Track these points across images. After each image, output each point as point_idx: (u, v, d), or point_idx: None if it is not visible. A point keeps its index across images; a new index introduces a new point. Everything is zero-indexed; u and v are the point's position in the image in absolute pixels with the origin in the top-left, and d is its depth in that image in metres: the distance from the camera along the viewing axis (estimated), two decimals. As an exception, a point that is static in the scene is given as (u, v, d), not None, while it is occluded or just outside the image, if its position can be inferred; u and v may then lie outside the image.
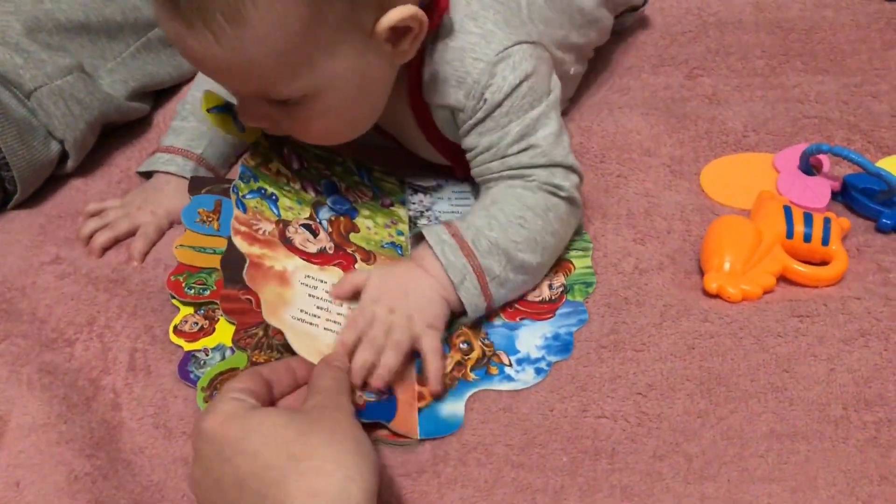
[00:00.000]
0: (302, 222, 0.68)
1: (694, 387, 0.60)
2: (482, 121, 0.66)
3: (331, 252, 0.67)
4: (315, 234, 0.67)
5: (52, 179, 0.80)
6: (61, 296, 0.69)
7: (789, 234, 0.67)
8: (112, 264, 0.72)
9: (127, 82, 0.85)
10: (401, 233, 0.71)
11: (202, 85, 0.77)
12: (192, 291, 0.66)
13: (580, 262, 0.69)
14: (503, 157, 0.66)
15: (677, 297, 0.66)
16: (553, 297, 0.66)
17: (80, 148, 0.79)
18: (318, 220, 0.69)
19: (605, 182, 0.77)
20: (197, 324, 0.65)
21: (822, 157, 0.74)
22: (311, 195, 0.70)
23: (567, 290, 0.67)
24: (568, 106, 0.85)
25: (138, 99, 0.86)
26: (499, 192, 0.66)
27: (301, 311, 0.61)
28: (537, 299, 0.66)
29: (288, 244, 0.65)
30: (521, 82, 0.65)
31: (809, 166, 0.74)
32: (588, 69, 0.89)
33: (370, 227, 0.70)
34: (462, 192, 0.75)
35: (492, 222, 0.64)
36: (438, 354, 0.60)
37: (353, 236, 0.69)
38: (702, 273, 0.67)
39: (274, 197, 0.68)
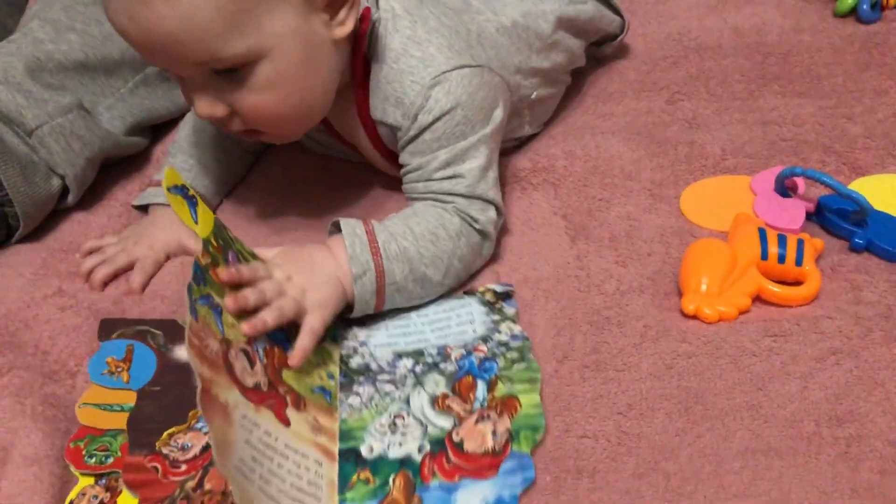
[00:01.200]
0: (242, 346, 0.58)
1: (672, 406, 0.62)
2: (413, 140, 0.70)
3: (265, 389, 0.58)
4: (252, 363, 0.58)
5: (54, 213, 0.83)
6: (63, 328, 0.71)
7: (764, 256, 0.69)
8: (112, 297, 0.74)
9: (125, 118, 0.87)
10: (331, 376, 0.63)
11: (187, 122, 0.82)
12: (93, 460, 0.59)
13: (527, 399, 0.60)
14: (428, 181, 0.71)
15: (657, 318, 0.68)
16: (497, 449, 0.58)
17: (80, 183, 0.82)
18: (254, 349, 0.60)
19: (587, 205, 0.79)
20: (97, 497, 0.58)
21: (796, 179, 0.76)
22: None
23: (512, 437, 0.59)
24: (551, 129, 0.88)
25: (136, 133, 0.89)
26: (421, 207, 0.70)
27: (240, 459, 0.53)
28: (479, 451, 0.58)
29: (229, 371, 0.56)
30: (453, 108, 0.68)
31: (785, 188, 0.77)
32: (571, 94, 0.91)
33: (302, 366, 0.62)
34: (401, 317, 0.68)
35: (406, 231, 0.67)
36: (314, 336, 0.62)
37: (285, 374, 0.61)
38: (680, 294, 0.69)
39: (219, 308, 0.58)
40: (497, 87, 0.73)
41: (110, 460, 0.60)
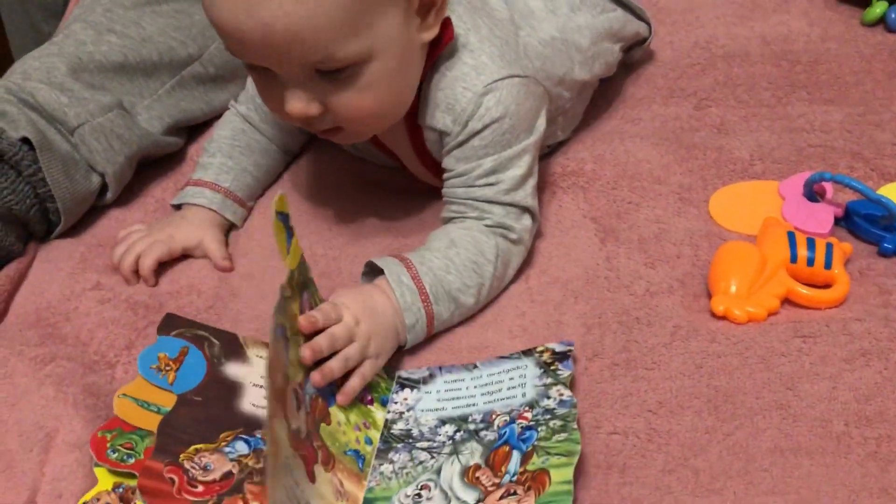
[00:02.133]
0: (294, 387, 0.57)
1: (702, 404, 0.63)
2: (460, 145, 0.71)
3: (302, 437, 0.56)
4: (299, 406, 0.57)
5: (92, 210, 0.84)
6: (102, 320, 0.73)
7: (793, 259, 0.70)
8: (149, 290, 0.76)
9: (162, 118, 0.89)
10: (369, 441, 0.61)
11: (226, 124, 0.83)
12: (116, 455, 0.58)
13: (559, 475, 0.54)
14: (470, 187, 0.72)
15: (686, 319, 0.69)
16: None
17: (119, 180, 0.84)
18: (304, 393, 0.59)
19: (616, 208, 0.80)
20: None
21: (825, 184, 0.77)
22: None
23: None
24: (580, 133, 0.89)
25: (173, 134, 0.91)
26: (457, 235, 0.71)
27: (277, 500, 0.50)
28: None
29: (285, 407, 0.55)
30: (502, 116, 0.70)
31: (813, 193, 0.77)
32: (600, 100, 0.92)
33: (340, 424, 0.60)
34: (455, 381, 0.65)
35: (448, 265, 0.69)
36: (363, 381, 0.63)
37: (322, 428, 0.59)
38: (709, 296, 0.70)
39: (287, 342, 0.58)
40: (541, 98, 0.75)
41: (131, 460, 0.58)
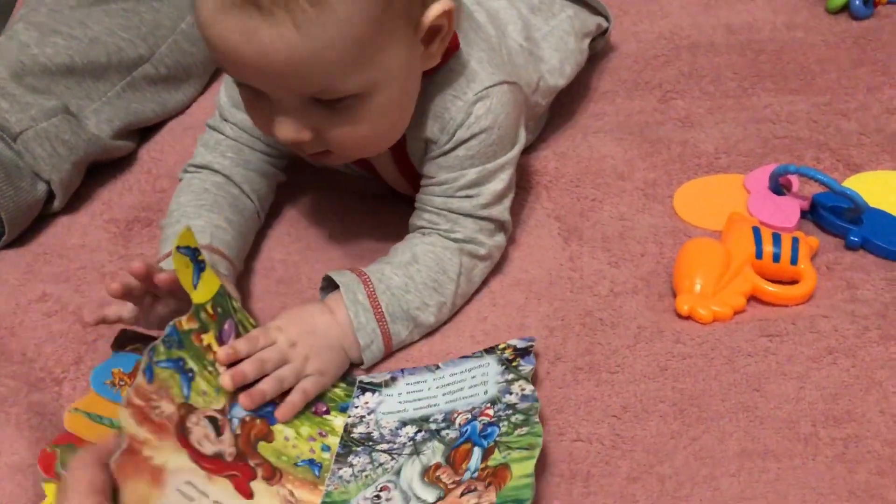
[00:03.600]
0: (209, 413, 0.57)
1: (667, 408, 0.61)
2: (446, 154, 0.68)
3: (229, 459, 0.56)
4: (220, 431, 0.57)
5: (39, 218, 0.81)
6: (49, 335, 0.70)
7: (758, 255, 0.68)
8: (97, 301, 0.73)
9: (112, 121, 0.86)
10: (327, 448, 0.60)
11: (185, 189, 0.73)
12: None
13: (519, 469, 0.53)
14: (449, 197, 0.69)
15: (650, 319, 0.67)
16: None
17: (66, 188, 0.81)
18: (228, 416, 0.58)
19: (580, 206, 0.79)
20: None
21: (790, 177, 0.76)
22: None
23: None
24: (543, 131, 0.87)
25: (123, 137, 0.88)
26: (421, 251, 0.68)
27: None
28: None
29: (182, 435, 0.55)
30: (491, 127, 0.67)
31: (779, 186, 0.76)
32: (562, 94, 0.90)
33: (289, 439, 0.60)
34: (417, 382, 0.64)
35: (408, 284, 0.67)
36: (304, 397, 0.61)
37: (262, 446, 0.58)
38: (674, 295, 0.68)
39: (191, 374, 0.57)
40: (522, 107, 0.72)
41: None
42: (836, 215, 0.73)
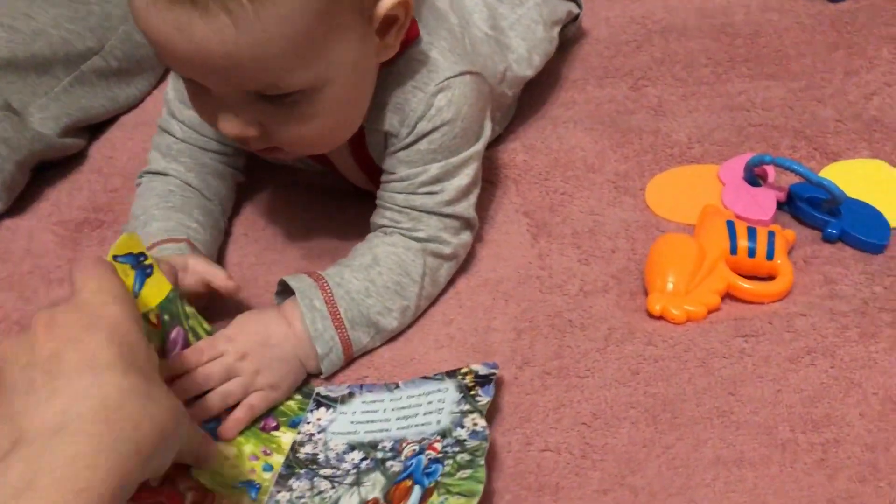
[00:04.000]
0: None
1: (639, 414, 0.58)
2: (406, 148, 0.64)
3: (154, 485, 0.52)
4: None
5: (-18, 221, 0.77)
6: (-9, 346, 0.66)
7: (733, 250, 0.66)
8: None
9: (59, 118, 0.82)
10: (269, 468, 0.57)
11: (146, 194, 0.69)
12: None
13: None
14: (411, 194, 0.65)
15: (622, 320, 0.64)
16: None
17: (9, 189, 0.77)
18: None
19: (549, 200, 0.76)
20: None
21: (766, 167, 0.73)
22: None
23: None
24: (511, 122, 0.84)
25: (72, 134, 0.84)
26: (382, 252, 0.65)
27: None
28: None
29: None
30: (454, 119, 0.63)
31: (754, 177, 0.73)
32: (531, 83, 0.87)
33: (228, 458, 0.56)
34: (373, 402, 0.60)
35: (369, 287, 0.63)
36: (250, 413, 0.58)
37: (196, 470, 0.55)
38: (646, 293, 0.65)
39: None
40: (487, 98, 0.68)
41: None
42: (813, 207, 0.70)
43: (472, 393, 0.57)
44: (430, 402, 0.58)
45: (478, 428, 0.54)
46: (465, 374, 0.59)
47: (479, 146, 0.67)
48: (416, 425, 0.57)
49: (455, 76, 0.64)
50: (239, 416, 0.58)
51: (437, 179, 0.65)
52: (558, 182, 0.77)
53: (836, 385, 0.58)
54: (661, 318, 0.63)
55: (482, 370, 0.59)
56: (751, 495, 0.53)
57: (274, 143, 0.61)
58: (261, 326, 0.60)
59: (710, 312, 0.64)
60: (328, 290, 0.62)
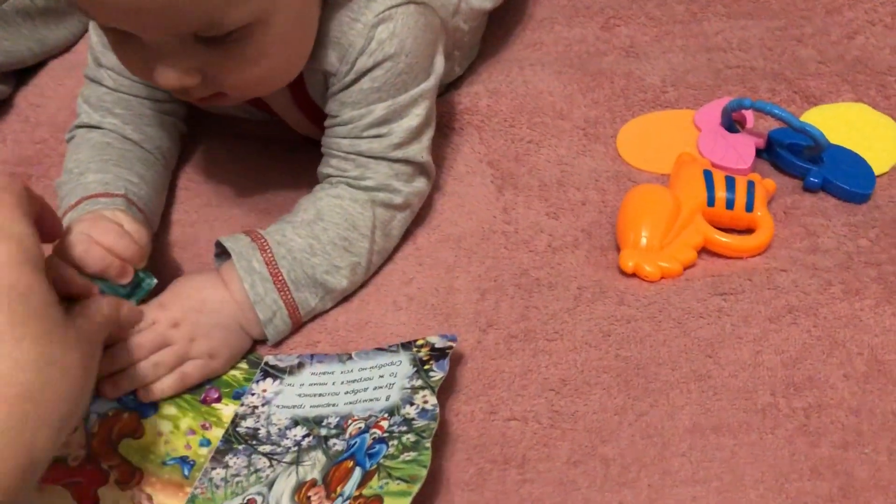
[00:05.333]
0: None
1: (611, 379, 0.54)
2: (348, 87, 0.59)
3: (74, 464, 0.50)
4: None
5: None
6: None
7: (710, 202, 0.61)
8: None
9: (-21, 62, 0.75)
10: (206, 442, 0.53)
11: (80, 147, 0.63)
12: None
13: (394, 502, 0.45)
14: (356, 138, 0.60)
15: (592, 278, 0.60)
16: None
17: (-75, 142, 0.71)
18: (85, 414, 0.51)
19: (514, 149, 0.70)
20: None
21: (745, 112, 0.68)
22: None
23: None
24: (474, 64, 0.78)
25: (-5, 80, 0.77)
26: (326, 206, 0.60)
27: None
28: None
29: None
30: (397, 53, 0.58)
31: (732, 123, 0.69)
32: (494, 22, 0.81)
33: (162, 433, 0.53)
34: (323, 373, 0.56)
35: (314, 244, 0.58)
36: (182, 382, 0.54)
37: (124, 444, 0.52)
38: (618, 249, 0.61)
39: None
40: (438, 31, 0.63)
41: None
42: (794, 154, 0.66)
43: (427, 367, 0.53)
44: (381, 377, 0.54)
45: (428, 406, 0.50)
46: (421, 346, 0.55)
47: (431, 83, 0.61)
48: (365, 400, 0.52)
49: (397, 6, 0.58)
50: (167, 382, 0.53)
51: (383, 121, 0.60)
52: (524, 129, 0.72)
53: (818, 345, 0.55)
54: (634, 275, 0.59)
55: (438, 342, 0.55)
56: (728, 464, 0.50)
57: (217, 88, 0.55)
58: (195, 291, 0.55)
59: (685, 269, 0.60)
60: (268, 251, 0.57)
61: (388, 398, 0.52)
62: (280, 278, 0.57)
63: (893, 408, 0.52)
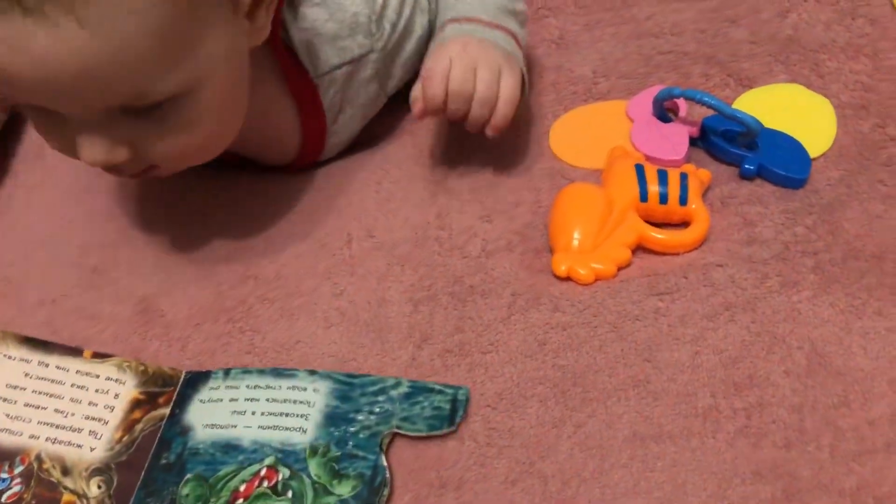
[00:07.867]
0: None
1: (547, 390, 0.53)
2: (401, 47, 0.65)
3: None
4: None
5: None
6: None
7: (643, 197, 0.60)
8: None
9: None
10: None
11: None
12: None
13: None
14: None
15: (526, 283, 0.58)
16: None
17: None
18: None
19: (448, 152, 0.68)
20: None
21: (678, 100, 0.67)
22: None
23: None
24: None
25: None
26: None
27: None
28: None
29: None
30: None
31: (665, 112, 0.67)
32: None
33: None
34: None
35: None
36: (513, 104, 0.60)
37: None
38: (552, 252, 0.59)
39: None
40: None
41: None
42: (728, 141, 0.64)
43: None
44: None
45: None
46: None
47: None
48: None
49: None
50: (506, 111, 0.60)
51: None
52: (457, 130, 0.69)
53: (757, 342, 0.53)
54: (568, 279, 0.58)
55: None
56: (670, 473, 0.48)
57: (149, 161, 0.53)
58: (476, 39, 0.60)
59: (620, 269, 0.58)
60: (459, 17, 0.63)
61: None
62: (483, 19, 0.62)
63: (834, 401, 0.50)
